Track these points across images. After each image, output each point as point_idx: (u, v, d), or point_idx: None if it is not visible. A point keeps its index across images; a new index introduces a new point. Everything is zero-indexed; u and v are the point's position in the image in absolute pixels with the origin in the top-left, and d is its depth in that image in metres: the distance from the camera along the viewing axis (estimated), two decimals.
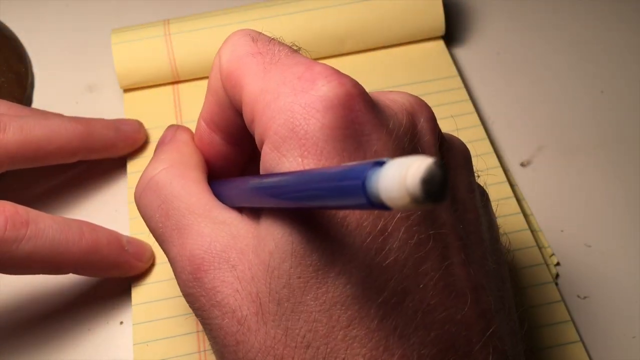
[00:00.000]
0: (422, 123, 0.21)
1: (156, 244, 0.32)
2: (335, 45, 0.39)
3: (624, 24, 0.42)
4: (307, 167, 0.19)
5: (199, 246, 0.21)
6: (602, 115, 0.38)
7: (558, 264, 0.33)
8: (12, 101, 0.35)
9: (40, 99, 0.39)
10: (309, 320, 0.18)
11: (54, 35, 0.41)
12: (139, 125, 0.36)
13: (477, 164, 0.34)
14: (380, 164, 0.13)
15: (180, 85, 0.38)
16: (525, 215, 0.33)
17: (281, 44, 0.22)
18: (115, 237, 0.30)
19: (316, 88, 0.19)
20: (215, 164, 0.25)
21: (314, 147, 0.18)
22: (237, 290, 0.20)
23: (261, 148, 0.20)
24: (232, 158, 0.25)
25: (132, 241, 0.31)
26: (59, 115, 0.34)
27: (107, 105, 0.38)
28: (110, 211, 0.35)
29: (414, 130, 0.21)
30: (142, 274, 0.32)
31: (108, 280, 0.32)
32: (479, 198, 0.23)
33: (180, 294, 0.31)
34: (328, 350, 0.18)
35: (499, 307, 0.21)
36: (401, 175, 0.12)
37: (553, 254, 0.33)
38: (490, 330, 0.20)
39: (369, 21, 0.38)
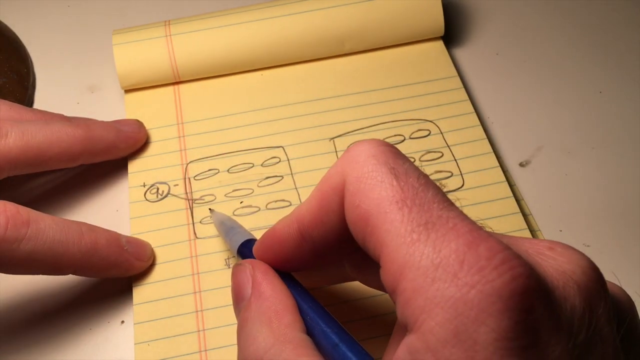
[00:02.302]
0: (601, 311, 0.17)
1: (156, 243, 0.32)
2: (335, 46, 0.39)
3: (622, 24, 0.42)
4: None
5: None
6: (601, 115, 0.38)
7: None
8: (14, 102, 0.35)
9: (42, 100, 0.39)
10: None
11: (55, 36, 0.41)
12: (139, 125, 0.36)
13: (477, 163, 0.35)
14: None
15: (181, 86, 0.38)
16: (524, 215, 0.34)
17: (428, 183, 0.19)
18: (114, 237, 0.30)
19: (484, 280, 0.16)
20: (282, 256, 0.24)
21: None
22: None
23: (403, 327, 0.18)
24: (304, 261, 0.23)
25: (131, 241, 0.31)
26: (60, 118, 0.34)
27: (108, 106, 0.39)
28: (111, 211, 0.35)
29: (590, 319, 0.17)
30: (143, 274, 0.32)
31: (109, 279, 0.32)
32: None
33: (181, 293, 0.31)
34: None
35: None
36: None
37: None
38: None
39: (368, 22, 0.38)
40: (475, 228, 0.17)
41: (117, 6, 0.43)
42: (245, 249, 0.27)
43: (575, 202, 0.35)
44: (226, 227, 0.30)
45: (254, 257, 0.25)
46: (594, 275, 0.18)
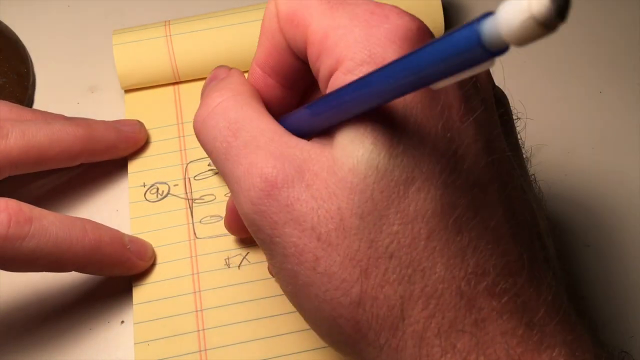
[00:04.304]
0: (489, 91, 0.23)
1: (157, 243, 0.32)
2: None
3: (623, 24, 0.42)
4: None
5: (273, 165, 0.21)
6: (601, 115, 0.38)
7: None
8: (14, 102, 0.35)
9: (42, 100, 0.39)
10: (391, 232, 0.20)
11: (55, 36, 0.41)
12: (139, 125, 0.36)
13: None
14: (490, 14, 0.14)
15: (181, 86, 0.38)
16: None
17: None
18: (117, 235, 0.31)
19: (390, 21, 0.20)
20: (269, 107, 0.25)
21: None
22: (314, 208, 0.20)
23: (327, 81, 0.21)
24: (286, 101, 0.26)
25: (133, 240, 0.31)
26: (61, 118, 0.34)
27: (108, 106, 0.39)
28: (111, 211, 0.35)
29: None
30: (143, 273, 0.32)
31: (109, 279, 0.32)
32: (519, 140, 0.26)
33: (181, 293, 0.31)
34: (410, 259, 0.20)
35: (547, 231, 0.23)
36: (523, 5, 0.13)
37: None
38: (546, 250, 0.22)
39: None
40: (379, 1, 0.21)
41: (117, 6, 0.43)
42: None
43: (576, 202, 0.35)
44: None
45: None
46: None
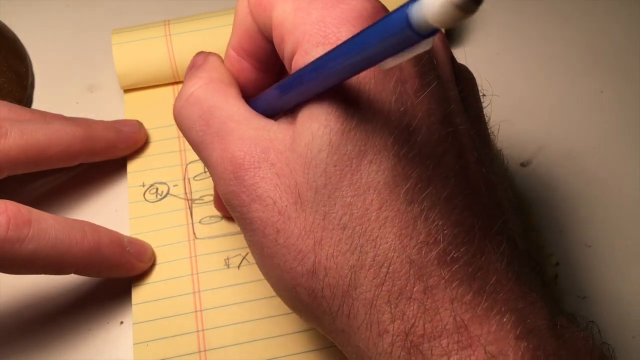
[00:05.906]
0: (437, 42, 0.24)
1: (156, 244, 0.32)
2: None
3: (623, 24, 0.42)
4: None
5: (240, 149, 0.22)
6: (602, 115, 0.38)
7: (557, 264, 0.33)
8: (13, 101, 0.35)
9: (41, 99, 0.39)
10: (344, 204, 0.21)
11: (54, 36, 0.41)
12: (139, 125, 0.36)
13: None
14: None
15: (181, 86, 0.38)
16: (524, 215, 0.33)
17: None
18: (116, 237, 0.30)
19: (345, 1, 0.21)
20: (245, 90, 0.26)
21: None
22: (277, 185, 0.22)
23: (291, 63, 0.22)
24: (260, 84, 0.27)
25: (133, 241, 0.31)
26: (60, 118, 0.34)
27: (107, 106, 0.38)
28: (110, 211, 0.35)
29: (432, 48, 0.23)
30: (142, 274, 0.32)
31: (108, 280, 0.32)
32: (484, 115, 0.27)
33: (180, 293, 0.31)
34: (362, 230, 0.21)
35: (508, 206, 0.24)
36: None
37: (552, 254, 0.33)
38: (502, 219, 0.22)
39: None
40: None
41: (117, 6, 0.43)
42: None
43: (577, 202, 0.35)
44: None
45: None
46: (440, 43, 0.24)
